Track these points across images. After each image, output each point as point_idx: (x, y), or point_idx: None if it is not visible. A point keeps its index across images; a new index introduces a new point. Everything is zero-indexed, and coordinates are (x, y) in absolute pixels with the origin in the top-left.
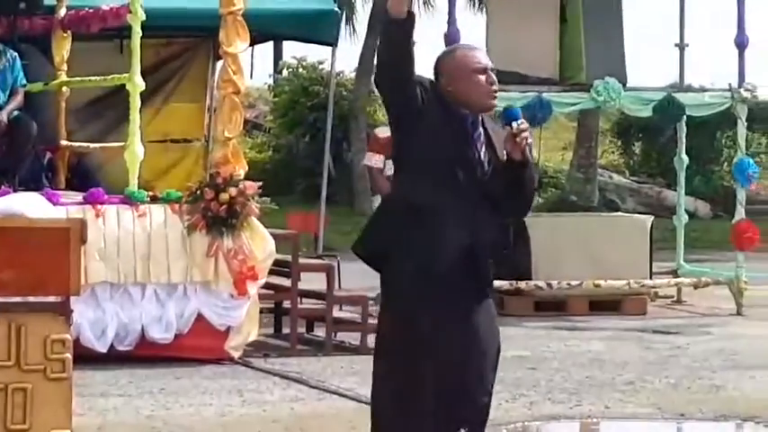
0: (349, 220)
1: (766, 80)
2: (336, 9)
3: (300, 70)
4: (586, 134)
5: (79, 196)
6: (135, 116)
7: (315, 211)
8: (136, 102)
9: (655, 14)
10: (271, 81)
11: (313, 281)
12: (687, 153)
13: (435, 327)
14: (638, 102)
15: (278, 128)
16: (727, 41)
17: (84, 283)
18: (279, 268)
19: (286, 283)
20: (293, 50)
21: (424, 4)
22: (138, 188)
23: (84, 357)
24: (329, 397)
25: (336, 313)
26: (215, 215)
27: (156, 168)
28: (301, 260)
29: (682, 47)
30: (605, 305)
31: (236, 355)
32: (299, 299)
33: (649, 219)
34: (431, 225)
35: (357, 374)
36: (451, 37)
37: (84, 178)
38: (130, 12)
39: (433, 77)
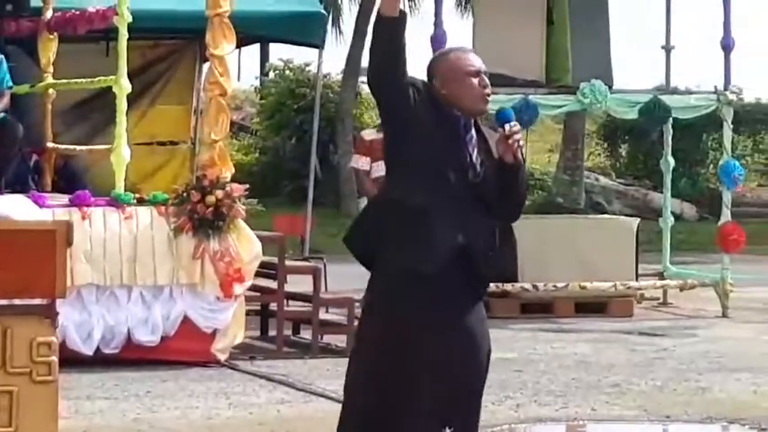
0: (335, 222)
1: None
2: (323, 11)
3: (287, 72)
4: (573, 136)
5: (65, 198)
6: (121, 118)
7: (301, 213)
8: (122, 104)
9: (641, 17)
10: (257, 83)
11: (299, 283)
12: (673, 155)
13: (425, 328)
14: (625, 104)
15: (264, 130)
16: (713, 44)
17: (70, 286)
18: (265, 270)
19: (272, 285)
20: (280, 52)
21: (410, 6)
22: (125, 190)
23: (71, 360)
24: (316, 399)
25: (323, 315)
26: (201, 217)
27: (143, 171)
28: (288, 262)
29: (668, 49)
30: (591, 307)
31: (222, 357)
32: (285, 301)
33: (635, 221)
34: (422, 226)
35: (343, 377)
36: (438, 39)
37: (70, 180)
38: (117, 14)
39: (426, 79)
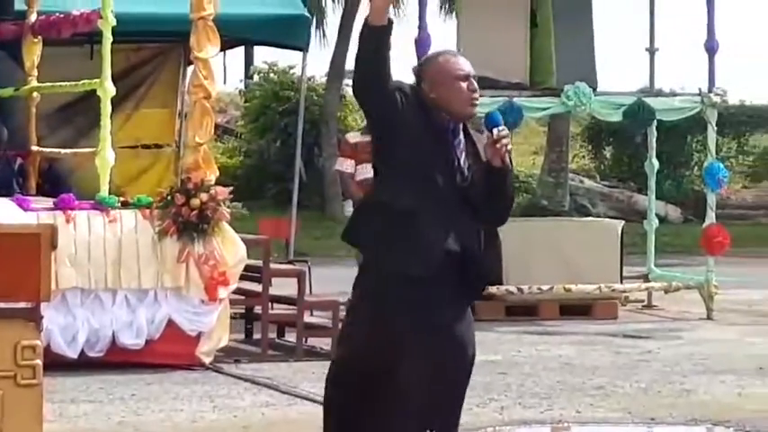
0: (320, 225)
1: (736, 84)
2: (307, 14)
3: (271, 75)
4: (557, 139)
5: (50, 202)
6: (106, 122)
7: (286, 216)
8: (107, 107)
9: (625, 19)
10: (242, 86)
11: (284, 286)
12: (658, 157)
13: (411, 330)
14: (609, 106)
15: (249, 133)
16: (697, 46)
17: (54, 289)
18: (250, 273)
19: (257, 288)
20: (264, 55)
21: (395, 9)
22: (109, 194)
23: (55, 363)
24: (300, 402)
25: (307, 318)
26: (186, 220)
27: (127, 174)
28: (272, 265)
29: (652, 51)
30: (576, 310)
31: (207, 360)
32: (269, 304)
33: (620, 223)
34: (411, 228)
35: None
36: (422, 42)
37: (55, 184)
38: (101, 17)
39: (414, 82)
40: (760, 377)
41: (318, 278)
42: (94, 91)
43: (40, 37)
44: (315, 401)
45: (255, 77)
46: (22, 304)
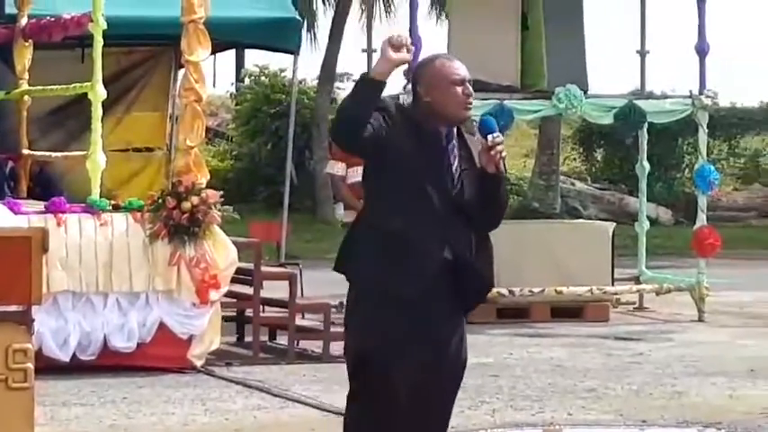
0: (311, 228)
1: (727, 87)
2: (298, 17)
3: (262, 78)
4: (548, 141)
5: (41, 205)
6: (97, 125)
7: (277, 219)
8: (98, 111)
9: (616, 21)
10: (233, 89)
11: (275, 289)
12: (649, 160)
13: (404, 343)
14: (600, 109)
15: (240, 136)
16: (687, 48)
17: (45, 293)
18: (241, 276)
19: (248, 291)
20: (255, 58)
21: (386, 12)
22: (101, 197)
23: (47, 367)
24: (292, 405)
25: (299, 321)
26: (177, 224)
27: (119, 177)
28: (264, 268)
29: (643, 54)
30: (567, 312)
31: (198, 363)
32: (261, 307)
33: (611, 225)
34: (402, 250)
35: (320, 382)
36: (413, 45)
37: (46, 187)
38: (92, 21)
39: (401, 90)
40: (751, 379)
41: (309, 281)
42: (85, 94)
43: (30, 40)
44: (306, 404)
45: (246, 80)
46: (13, 307)
